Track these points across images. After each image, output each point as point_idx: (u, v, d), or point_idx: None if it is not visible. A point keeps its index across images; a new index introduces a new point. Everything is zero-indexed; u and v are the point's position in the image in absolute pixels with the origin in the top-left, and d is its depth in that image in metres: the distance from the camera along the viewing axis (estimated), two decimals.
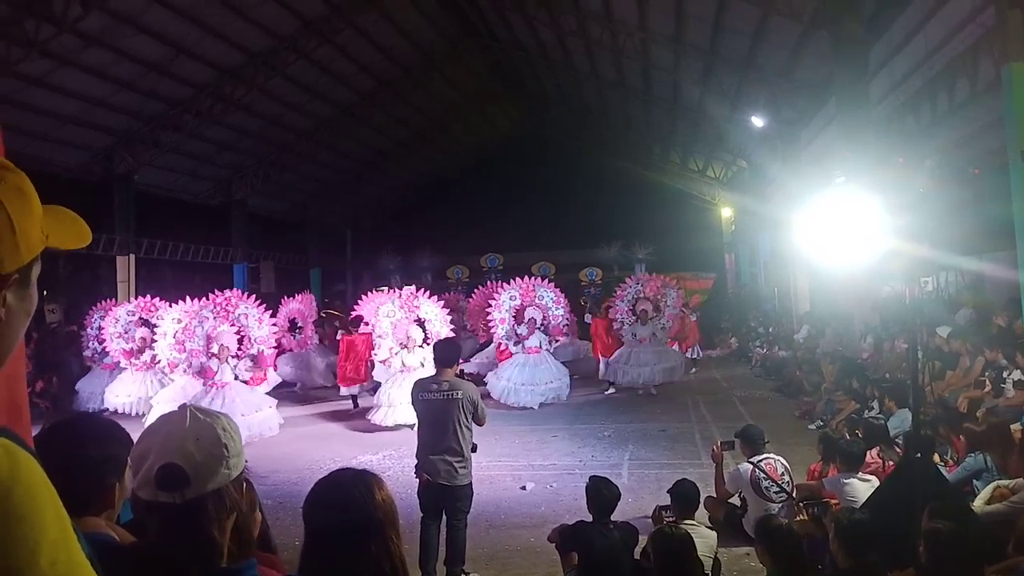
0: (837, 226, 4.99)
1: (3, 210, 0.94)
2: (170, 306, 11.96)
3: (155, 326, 12.28)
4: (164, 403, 10.50)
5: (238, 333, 10.84)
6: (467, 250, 30.49)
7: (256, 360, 10.93)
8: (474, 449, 5.58)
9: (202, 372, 10.67)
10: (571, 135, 29.89)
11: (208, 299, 10.95)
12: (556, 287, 14.45)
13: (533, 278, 14.47)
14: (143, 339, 13.08)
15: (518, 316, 13.72)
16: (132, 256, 19.41)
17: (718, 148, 23.53)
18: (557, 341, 14.06)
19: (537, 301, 13.76)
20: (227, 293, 11.13)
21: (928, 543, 3.61)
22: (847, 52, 11.74)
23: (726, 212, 28.98)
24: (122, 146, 18.79)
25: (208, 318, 10.74)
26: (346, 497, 2.04)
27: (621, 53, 17.60)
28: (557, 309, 13.84)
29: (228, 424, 1.55)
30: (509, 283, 14.17)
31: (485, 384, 12.99)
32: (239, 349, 10.80)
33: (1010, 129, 7.73)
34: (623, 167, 29.66)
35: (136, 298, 16.22)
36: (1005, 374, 7.80)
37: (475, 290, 18.07)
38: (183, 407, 1.56)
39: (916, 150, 11.58)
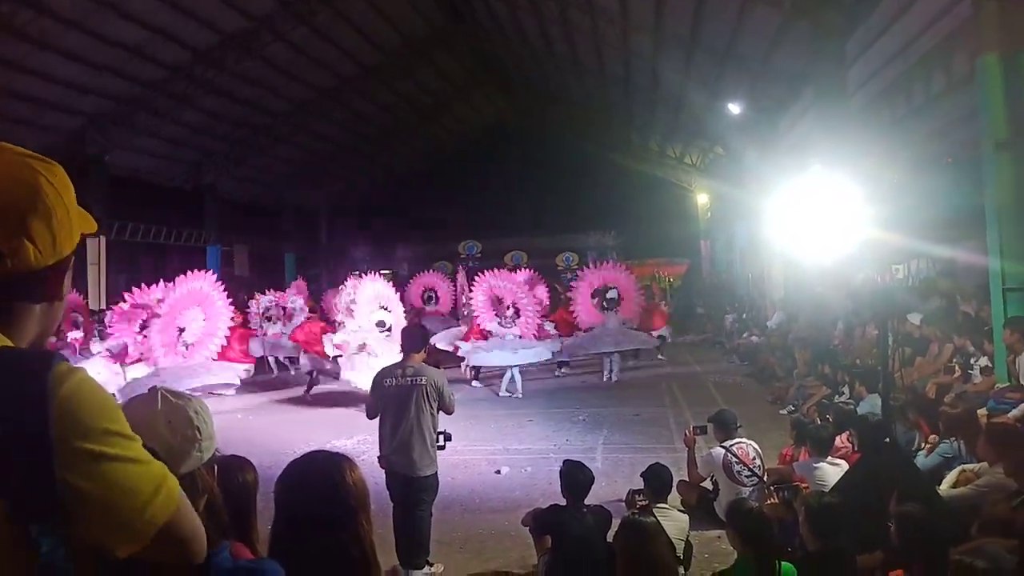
0: (812, 214, 5.03)
1: (60, 199, 1.11)
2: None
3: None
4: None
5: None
6: (445, 236, 30.38)
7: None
8: (446, 440, 5.33)
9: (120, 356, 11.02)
10: (551, 122, 29.84)
11: (178, 282, 11.26)
12: (530, 287, 14.23)
13: (518, 269, 14.40)
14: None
15: (498, 303, 13.57)
16: (102, 239, 19.08)
17: (696, 135, 23.59)
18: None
19: (515, 301, 13.50)
20: (197, 275, 11.41)
21: (899, 526, 3.68)
22: (825, 41, 11.80)
23: (702, 199, 29.12)
24: (94, 128, 18.42)
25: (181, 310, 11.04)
26: (318, 479, 2.03)
27: (602, 41, 17.57)
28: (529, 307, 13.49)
29: (200, 407, 1.55)
30: (490, 271, 14.03)
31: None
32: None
33: (984, 120, 7.81)
34: (601, 154, 29.68)
35: (108, 284, 16.23)
36: (973, 360, 7.95)
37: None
38: (154, 389, 1.54)
39: (892, 140, 11.71)
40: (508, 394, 12.64)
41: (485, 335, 13.42)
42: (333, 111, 23.65)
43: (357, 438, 9.50)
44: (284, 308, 15.47)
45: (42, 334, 1.15)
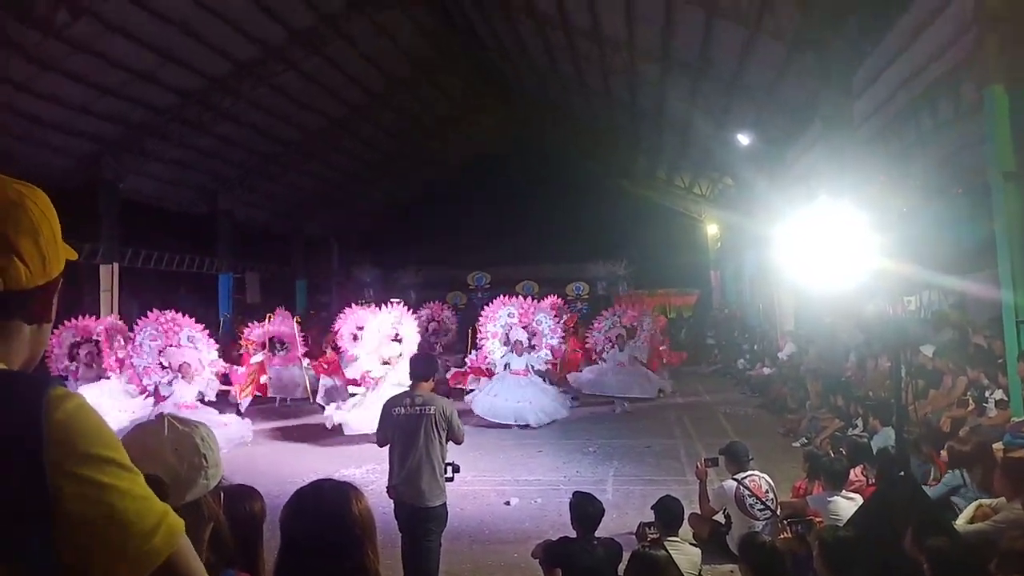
0: (820, 244, 5.00)
1: (47, 222, 1.12)
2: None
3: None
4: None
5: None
6: (452, 263, 30.39)
7: (227, 378, 11.09)
8: (455, 472, 5.26)
9: (150, 392, 10.90)
10: (559, 148, 30.01)
11: (149, 316, 11.26)
12: (556, 314, 14.15)
13: (535, 300, 14.22)
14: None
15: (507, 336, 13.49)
16: (116, 265, 19.22)
17: (704, 166, 23.66)
18: (548, 367, 13.75)
19: (533, 324, 13.51)
20: (168, 314, 11.43)
21: (931, 560, 3.59)
22: (831, 73, 11.87)
23: (712, 229, 29.11)
24: (108, 153, 18.63)
25: (156, 335, 10.89)
26: (324, 508, 2.01)
27: (609, 68, 17.71)
28: (552, 338, 13.58)
29: (207, 434, 1.54)
30: (512, 297, 13.94)
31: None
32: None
33: (991, 151, 7.82)
34: (610, 183, 29.76)
35: (120, 310, 16.29)
36: (987, 393, 7.85)
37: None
38: (160, 416, 1.54)
39: (899, 170, 11.70)
40: (518, 424, 12.55)
41: (487, 372, 13.30)
42: (342, 139, 23.90)
43: (366, 467, 9.44)
44: (281, 341, 15.43)
45: (31, 358, 1.16)
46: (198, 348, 11.27)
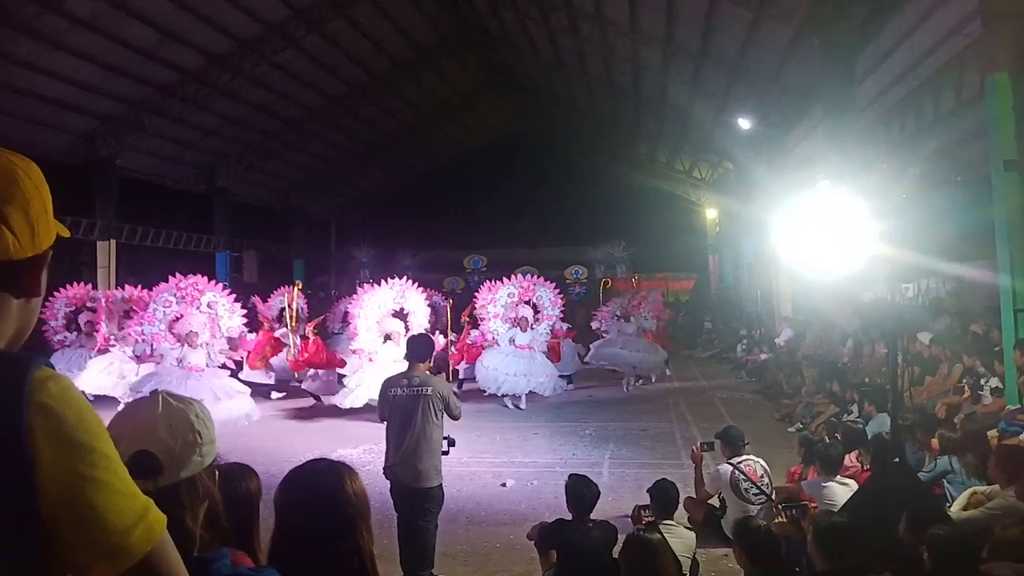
0: (819, 229, 4.98)
1: (39, 194, 1.09)
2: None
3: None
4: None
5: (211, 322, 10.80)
6: (451, 245, 30.35)
7: (235, 342, 10.91)
8: (450, 446, 5.32)
9: (142, 358, 10.68)
10: (558, 132, 29.91)
11: (170, 281, 10.89)
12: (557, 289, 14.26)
13: (533, 276, 14.29)
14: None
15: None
16: (113, 242, 19.17)
17: (704, 150, 23.58)
18: (554, 339, 13.89)
19: (535, 299, 13.61)
20: (192, 278, 11.05)
21: (932, 547, 3.59)
22: (835, 58, 11.79)
23: (711, 214, 29.08)
24: (105, 130, 18.52)
25: (171, 302, 10.66)
26: (317, 488, 2.01)
27: (611, 52, 17.61)
28: (553, 310, 13.68)
29: (201, 410, 1.52)
30: (508, 278, 13.98)
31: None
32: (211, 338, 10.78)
33: (993, 138, 7.80)
34: (609, 166, 29.71)
35: (117, 286, 16.19)
36: (983, 381, 7.87)
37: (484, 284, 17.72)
38: (155, 393, 1.52)
39: (901, 157, 11.67)
40: (511, 406, 12.60)
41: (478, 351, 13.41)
42: (342, 118, 23.76)
43: (363, 447, 9.47)
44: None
45: (19, 332, 1.12)
46: (217, 314, 10.90)
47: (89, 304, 13.95)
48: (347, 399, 11.21)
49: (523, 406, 12.60)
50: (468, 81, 26.46)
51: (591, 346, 15.22)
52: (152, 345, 10.66)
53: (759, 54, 14.16)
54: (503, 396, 12.72)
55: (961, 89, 9.28)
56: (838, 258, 4.99)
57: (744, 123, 16.71)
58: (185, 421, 1.48)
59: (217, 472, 1.57)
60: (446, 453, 5.33)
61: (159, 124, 19.01)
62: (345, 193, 30.57)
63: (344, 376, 12.21)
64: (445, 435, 5.31)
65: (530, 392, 12.83)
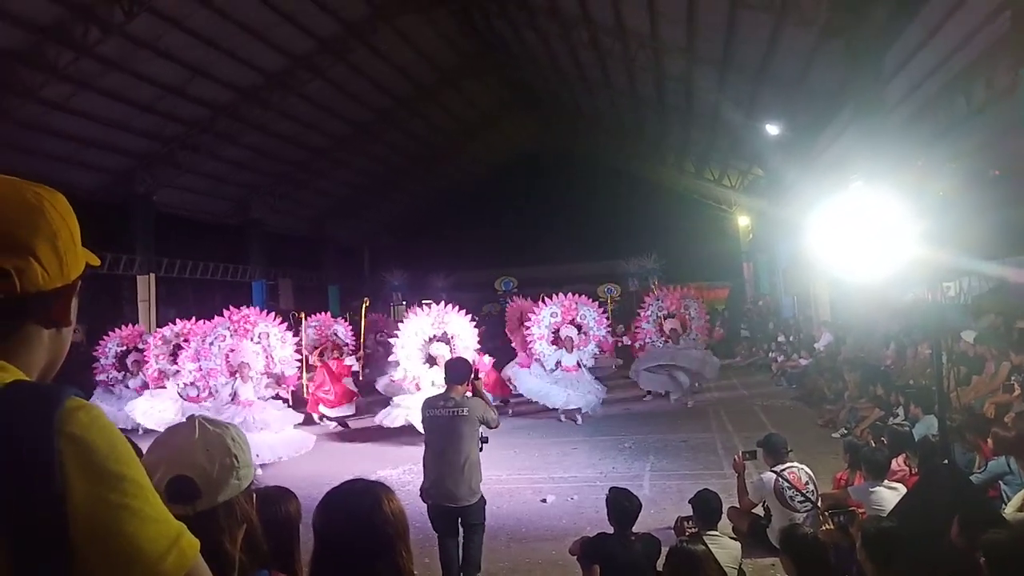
0: (855, 231, 4.90)
1: (65, 225, 1.11)
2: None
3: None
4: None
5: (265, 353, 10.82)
6: (482, 264, 30.40)
7: (279, 379, 10.91)
8: (484, 443, 5.45)
9: (188, 399, 10.79)
10: (584, 147, 29.88)
11: (224, 315, 10.94)
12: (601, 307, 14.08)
13: (575, 295, 14.01)
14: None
15: (555, 334, 13.40)
16: (152, 275, 19.58)
17: (733, 156, 23.40)
18: (598, 356, 13.78)
19: (579, 319, 13.46)
20: (244, 310, 11.11)
21: (989, 554, 3.48)
22: (861, 59, 11.64)
23: (743, 221, 28.78)
24: (142, 167, 18.99)
25: (225, 336, 10.71)
26: (355, 508, 2.01)
27: (633, 64, 17.59)
28: (599, 329, 13.55)
29: (237, 435, 1.54)
30: (551, 298, 13.84)
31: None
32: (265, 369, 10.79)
33: None
34: (638, 177, 29.54)
35: (159, 320, 16.50)
36: None
37: (511, 299, 17.56)
38: (191, 418, 1.54)
39: (934, 155, 11.46)
40: (564, 420, 12.61)
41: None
42: (369, 145, 24.07)
43: (402, 468, 9.50)
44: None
45: (51, 363, 1.13)
46: (270, 344, 10.86)
47: (140, 345, 14.22)
48: (387, 418, 11.23)
49: (580, 421, 12.52)
50: (490, 100, 26.65)
51: (634, 366, 14.63)
52: (208, 380, 10.76)
53: (783, 59, 14.05)
54: (558, 411, 12.69)
55: (993, 83, 9.12)
56: (876, 259, 4.90)
57: (772, 128, 16.55)
58: (222, 445, 1.50)
59: (255, 495, 1.59)
60: (480, 450, 5.44)
61: (193, 160, 19.42)
62: (375, 218, 30.87)
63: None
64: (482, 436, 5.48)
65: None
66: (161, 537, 0.98)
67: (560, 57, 20.64)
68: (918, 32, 10.88)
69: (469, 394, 5.60)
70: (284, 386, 11.18)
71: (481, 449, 5.45)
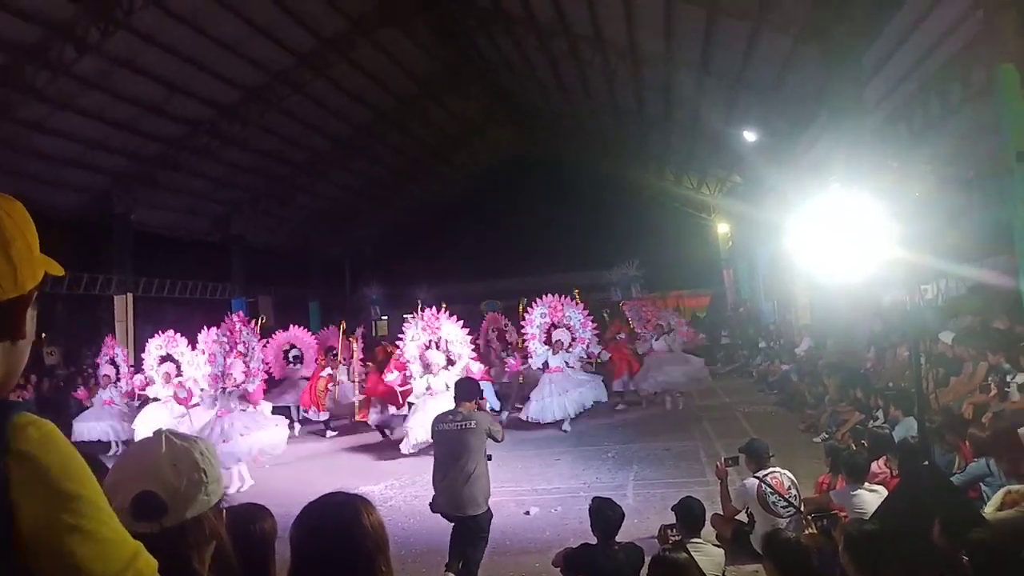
0: (833, 234, 4.92)
1: (21, 234, 1.06)
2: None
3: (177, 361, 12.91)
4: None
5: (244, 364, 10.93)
6: (464, 277, 30.29)
7: (246, 396, 10.96)
8: (488, 459, 5.82)
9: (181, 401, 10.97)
10: (565, 158, 29.94)
11: (220, 327, 11.14)
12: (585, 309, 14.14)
13: (563, 296, 14.17)
14: (167, 373, 13.12)
15: (548, 336, 13.54)
16: (129, 295, 19.36)
17: (712, 164, 23.56)
18: (589, 360, 14.01)
19: (565, 321, 13.63)
20: (232, 317, 11.29)
21: (973, 553, 3.49)
22: (838, 62, 11.74)
23: (723, 228, 28.97)
24: (119, 187, 18.80)
25: (228, 349, 10.93)
26: (333, 522, 1.98)
27: (613, 75, 17.68)
28: (584, 331, 13.67)
29: (206, 448, 1.50)
30: (536, 302, 13.98)
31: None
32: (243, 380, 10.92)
33: (1004, 131, 7.72)
34: (618, 188, 29.63)
35: (136, 339, 16.37)
36: (1009, 378, 7.72)
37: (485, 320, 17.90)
38: (158, 432, 1.51)
39: (911, 157, 11.57)
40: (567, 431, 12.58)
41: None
42: (350, 159, 23.99)
43: (384, 483, 9.41)
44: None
45: (5, 378, 1.07)
46: (248, 354, 11.00)
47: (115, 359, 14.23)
48: (408, 446, 11.04)
49: (570, 419, 12.61)
50: (471, 112, 26.65)
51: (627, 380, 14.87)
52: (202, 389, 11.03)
53: (760, 65, 14.18)
54: (560, 422, 12.63)
55: (968, 82, 9.21)
56: (854, 261, 4.93)
57: (750, 135, 16.69)
58: (190, 460, 1.46)
59: (225, 511, 1.55)
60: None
61: (172, 178, 19.30)
62: (358, 233, 30.76)
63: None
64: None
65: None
66: (115, 559, 0.95)
67: (539, 68, 20.72)
68: (895, 32, 10.98)
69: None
70: (251, 401, 11.25)
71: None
